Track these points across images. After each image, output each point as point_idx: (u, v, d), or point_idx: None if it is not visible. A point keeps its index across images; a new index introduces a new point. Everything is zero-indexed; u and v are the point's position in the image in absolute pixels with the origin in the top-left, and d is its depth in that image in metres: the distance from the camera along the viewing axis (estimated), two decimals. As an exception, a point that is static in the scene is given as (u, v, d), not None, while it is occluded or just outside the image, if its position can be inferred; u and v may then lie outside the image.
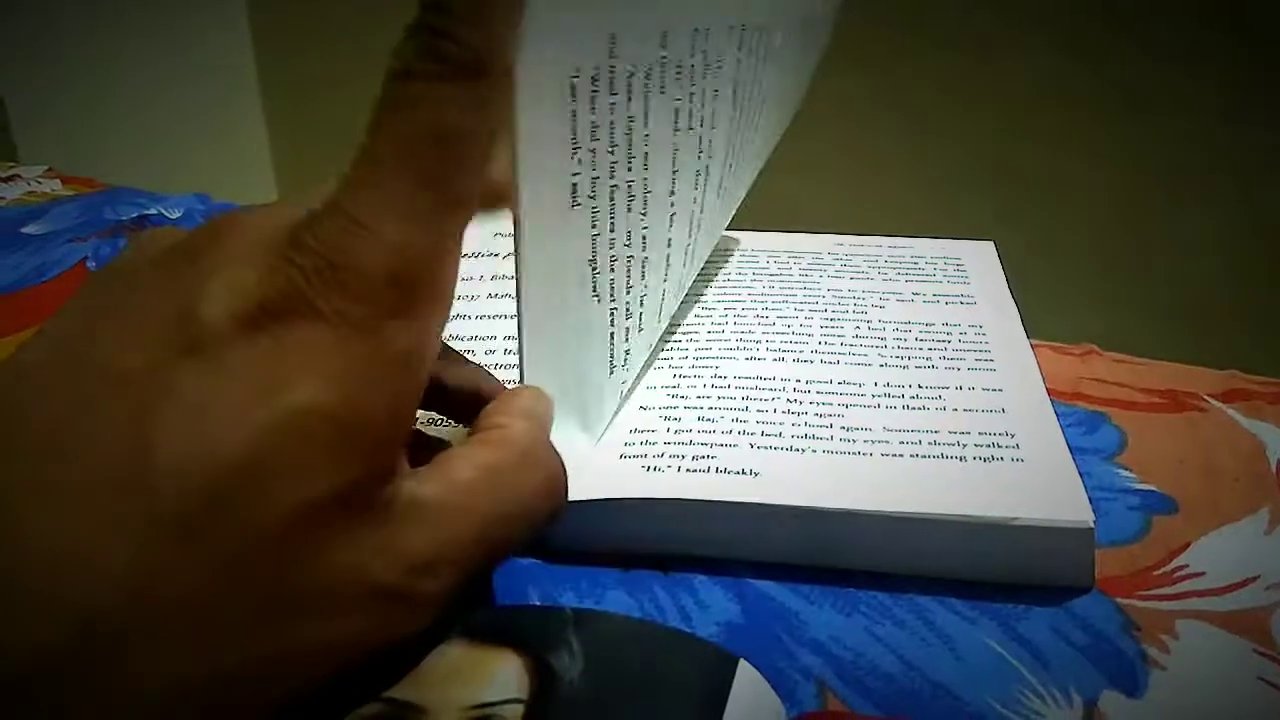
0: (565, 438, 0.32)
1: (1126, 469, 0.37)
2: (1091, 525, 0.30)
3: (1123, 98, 0.95)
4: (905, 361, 0.39)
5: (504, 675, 0.23)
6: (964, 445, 0.34)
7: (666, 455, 0.34)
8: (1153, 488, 0.35)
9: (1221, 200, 0.92)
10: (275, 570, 0.21)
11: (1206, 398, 0.40)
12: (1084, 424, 0.39)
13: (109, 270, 0.25)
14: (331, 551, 0.21)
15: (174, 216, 0.64)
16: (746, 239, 0.51)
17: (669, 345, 0.41)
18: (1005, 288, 0.45)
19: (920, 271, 0.47)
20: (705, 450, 0.34)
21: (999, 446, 0.34)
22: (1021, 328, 0.42)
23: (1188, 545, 0.33)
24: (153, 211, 0.64)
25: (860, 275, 0.46)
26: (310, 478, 0.21)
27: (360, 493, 0.22)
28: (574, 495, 0.32)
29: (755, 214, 0.55)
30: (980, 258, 0.48)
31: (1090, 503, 0.31)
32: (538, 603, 0.31)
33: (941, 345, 0.40)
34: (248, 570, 0.20)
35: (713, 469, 0.33)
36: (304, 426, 0.21)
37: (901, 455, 0.33)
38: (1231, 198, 0.92)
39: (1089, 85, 0.96)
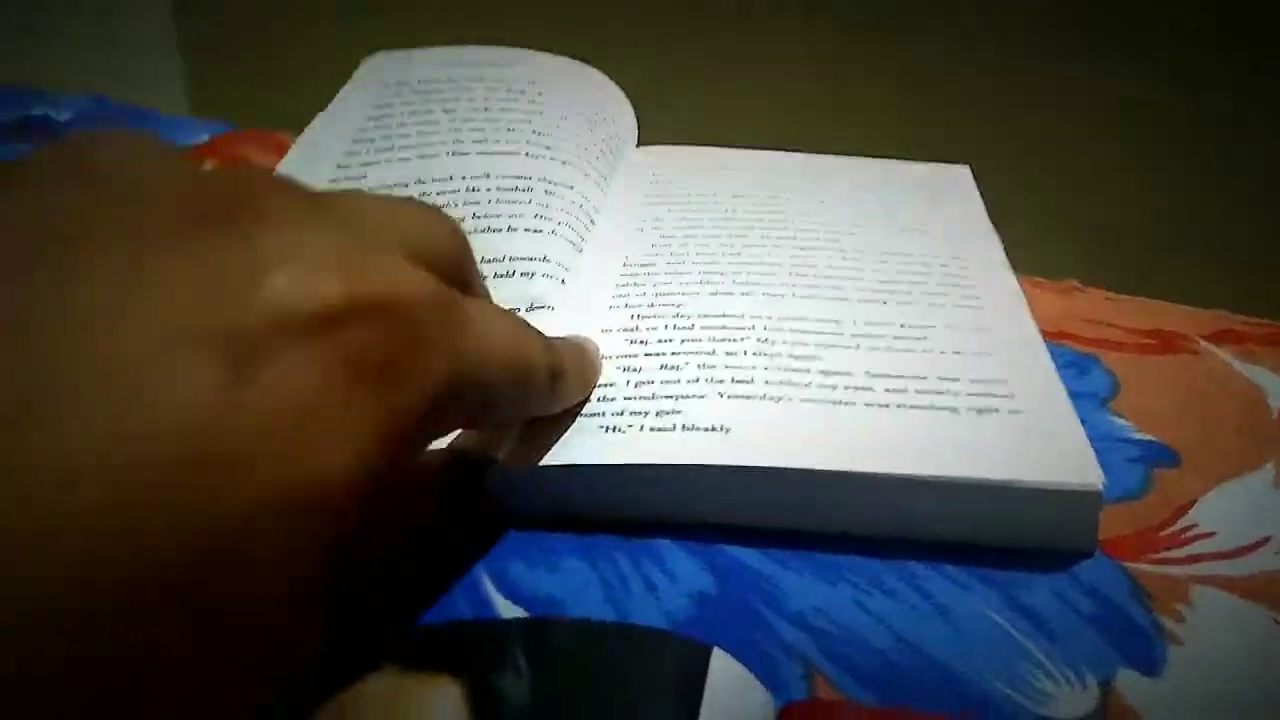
0: None
1: (1121, 416, 0.34)
2: (1100, 488, 0.27)
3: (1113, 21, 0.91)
4: (885, 297, 0.36)
5: (440, 708, 0.19)
6: (955, 394, 0.30)
7: (627, 413, 0.30)
8: (1152, 438, 0.33)
9: (1204, 136, 0.88)
10: None
11: (1198, 339, 0.38)
12: (1074, 366, 0.36)
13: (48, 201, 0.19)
14: None
15: (62, 119, 0.57)
16: (705, 155, 0.47)
17: (624, 281, 0.37)
18: (985, 216, 0.42)
19: (895, 195, 0.43)
20: (670, 405, 0.30)
21: (993, 395, 0.30)
22: (1006, 261, 0.39)
23: (1194, 502, 0.30)
24: (38, 112, 0.58)
25: (830, 199, 0.43)
26: None
27: None
28: (524, 459, 0.29)
29: (707, 129, 0.51)
30: (956, 182, 0.45)
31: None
32: (477, 616, 0.27)
33: (922, 279, 0.37)
34: None
35: (679, 426, 0.29)
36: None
37: (887, 405, 0.30)
38: (1214, 133, 0.88)
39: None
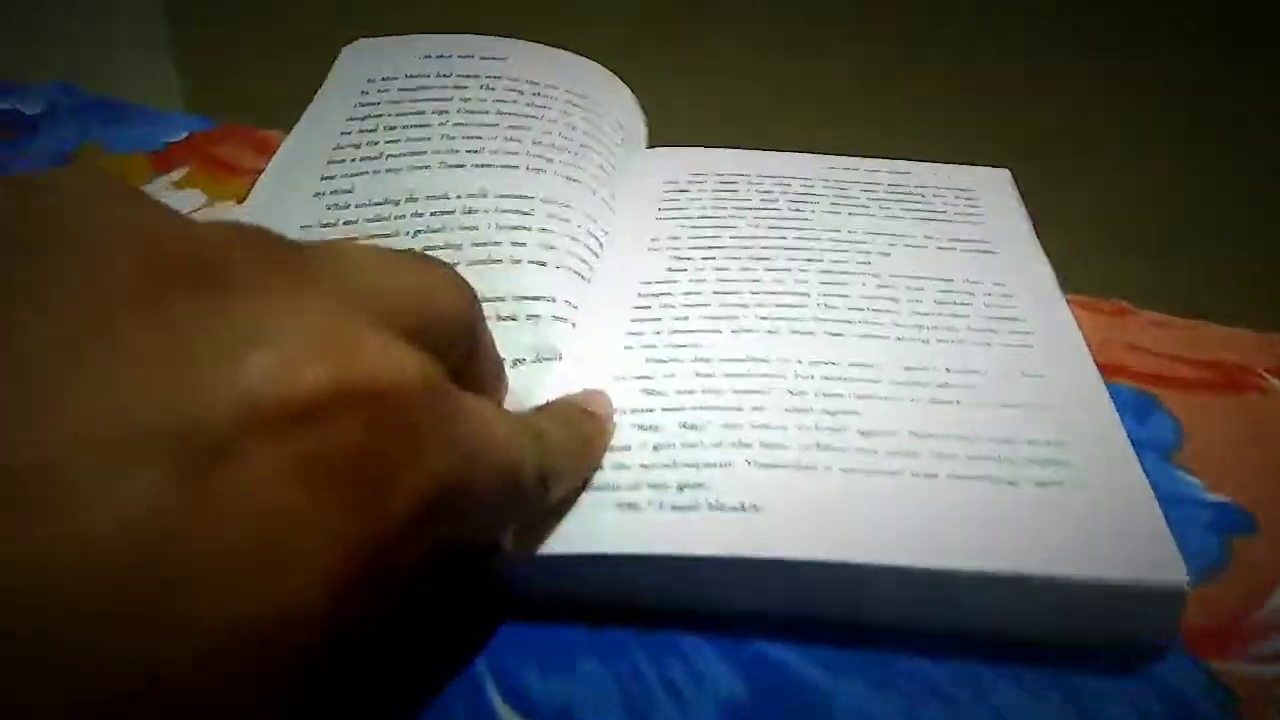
0: None
1: (1189, 471, 0.31)
2: (1185, 586, 0.24)
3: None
4: (926, 334, 0.32)
5: None
6: (1012, 462, 0.27)
7: (645, 485, 0.27)
8: (1225, 499, 0.30)
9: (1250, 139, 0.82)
10: None
11: (1264, 374, 0.34)
12: (1133, 409, 0.33)
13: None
14: None
15: (33, 111, 0.53)
16: (720, 158, 0.43)
17: (638, 315, 0.33)
18: (1030, 230, 0.38)
19: (928, 206, 0.40)
20: (693, 475, 0.27)
21: (1054, 463, 0.27)
22: (1057, 287, 0.35)
23: (1278, 581, 0.27)
24: (5, 106, 0.54)
25: (860, 209, 0.39)
26: None
27: None
28: (531, 545, 0.25)
29: (718, 127, 0.47)
30: (994, 189, 0.41)
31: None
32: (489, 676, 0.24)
33: (965, 310, 0.33)
34: None
35: (704, 504, 0.26)
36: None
37: (935, 475, 0.27)
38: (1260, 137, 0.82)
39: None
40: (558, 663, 0.25)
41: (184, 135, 0.51)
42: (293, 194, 0.36)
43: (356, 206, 0.36)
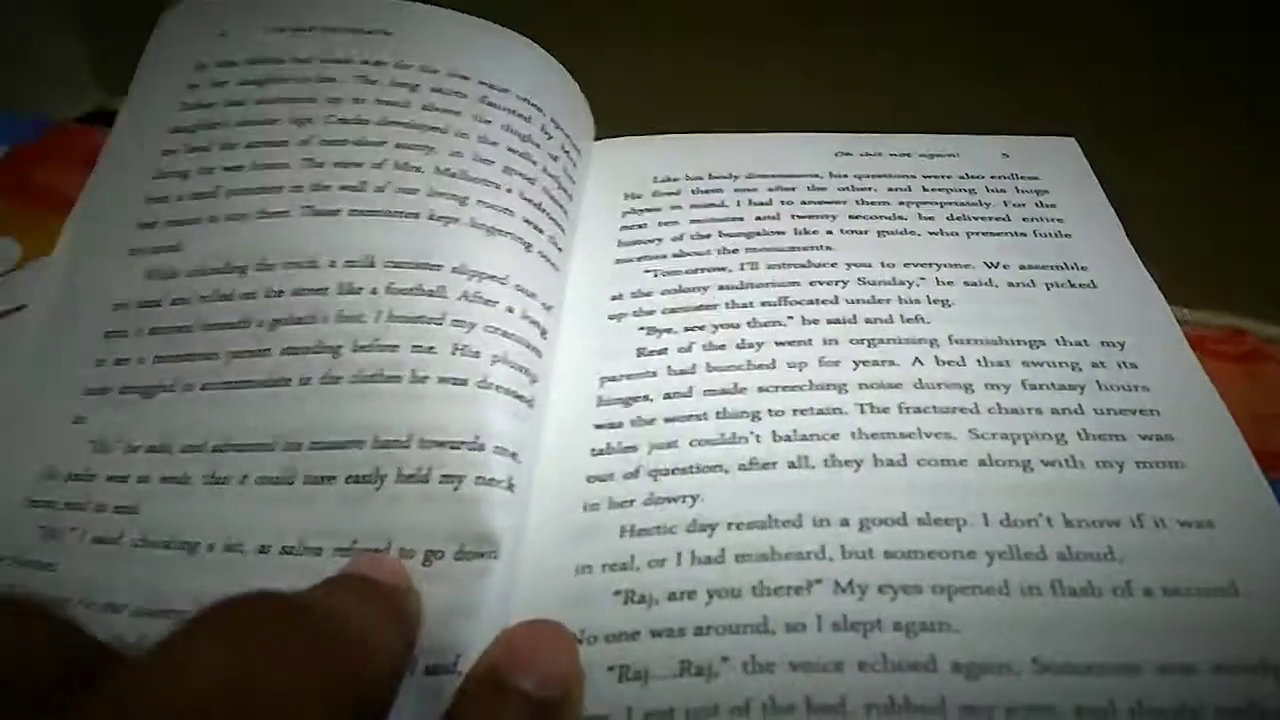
0: None
1: None
2: None
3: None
4: (1024, 452, 0.22)
5: None
6: (1194, 714, 0.18)
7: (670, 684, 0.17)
8: None
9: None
10: None
11: None
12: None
13: None
14: None
15: None
16: (688, 149, 0.32)
17: (602, 433, 0.23)
18: (1124, 239, 0.28)
19: (984, 209, 0.29)
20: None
21: (1267, 713, 0.18)
22: (1180, 333, 0.25)
23: None
24: None
25: (894, 224, 0.29)
26: None
27: None
28: None
29: (676, 107, 0.36)
30: (1064, 171, 0.31)
31: None
32: None
33: (1073, 399, 0.23)
34: None
35: None
36: None
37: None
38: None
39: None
40: None
41: (4, 150, 0.39)
42: (102, 251, 0.26)
43: (187, 275, 0.25)
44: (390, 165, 0.26)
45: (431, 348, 0.23)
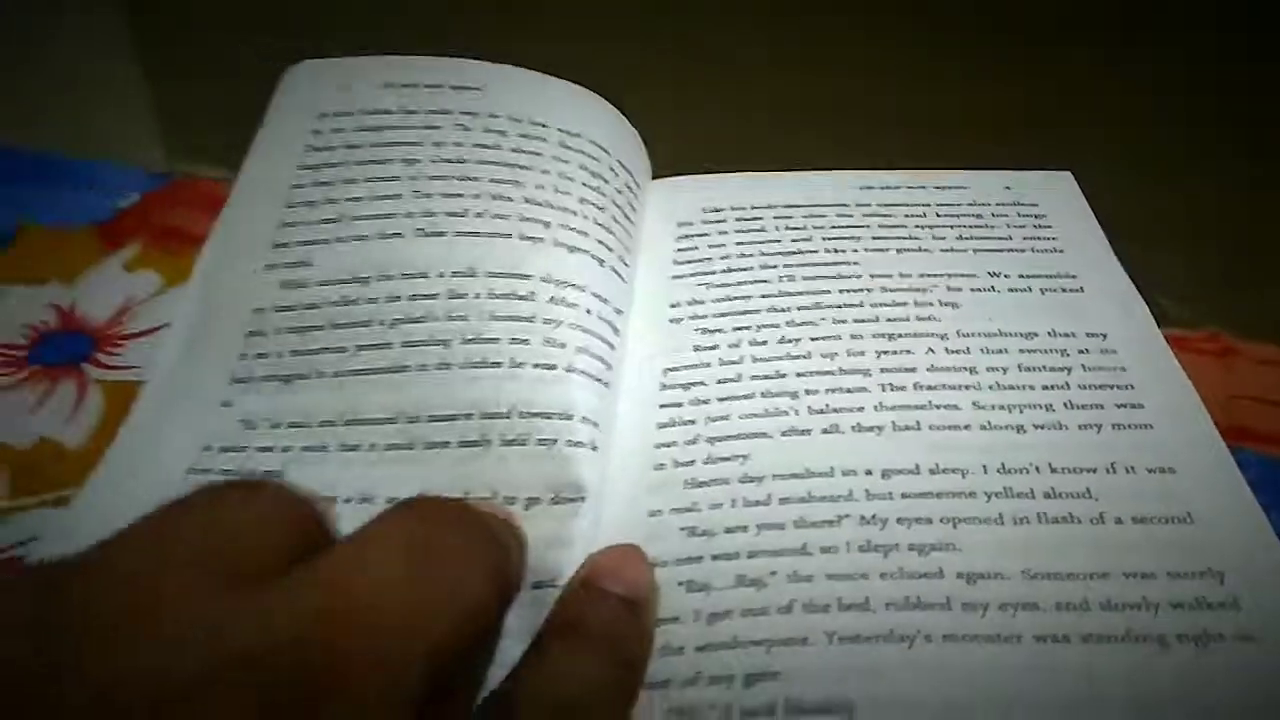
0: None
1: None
2: None
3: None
4: (1018, 418, 0.27)
5: None
6: (1155, 608, 0.22)
7: (703, 678, 0.22)
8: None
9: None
10: None
11: None
12: (1265, 485, 0.27)
13: None
14: None
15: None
16: (736, 186, 0.37)
17: (666, 418, 0.28)
18: (1109, 253, 0.33)
19: (989, 230, 0.34)
20: (763, 658, 0.22)
21: (1209, 606, 0.22)
22: (1156, 328, 0.30)
23: None
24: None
25: (910, 243, 0.33)
26: None
27: None
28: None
29: (724, 145, 0.41)
30: (1060, 199, 0.36)
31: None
32: None
33: (1060, 377, 0.28)
34: None
35: (780, 706, 0.21)
36: None
37: (1068, 639, 0.22)
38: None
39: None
40: None
41: (135, 198, 0.45)
42: (241, 266, 0.31)
43: (318, 285, 0.30)
44: (487, 196, 0.32)
45: (526, 340, 0.28)
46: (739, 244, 0.34)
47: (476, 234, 0.31)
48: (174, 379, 0.29)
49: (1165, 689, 0.20)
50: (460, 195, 0.32)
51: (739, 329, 0.31)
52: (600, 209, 0.33)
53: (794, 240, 0.34)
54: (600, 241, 0.32)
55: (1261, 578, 0.22)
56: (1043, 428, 0.26)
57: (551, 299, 0.29)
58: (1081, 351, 0.29)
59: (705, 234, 0.35)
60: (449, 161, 0.33)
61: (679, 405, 0.28)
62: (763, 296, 0.32)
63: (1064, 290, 0.31)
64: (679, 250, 0.34)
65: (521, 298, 0.29)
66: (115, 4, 0.90)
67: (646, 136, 0.37)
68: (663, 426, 0.28)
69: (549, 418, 0.27)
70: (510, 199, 0.32)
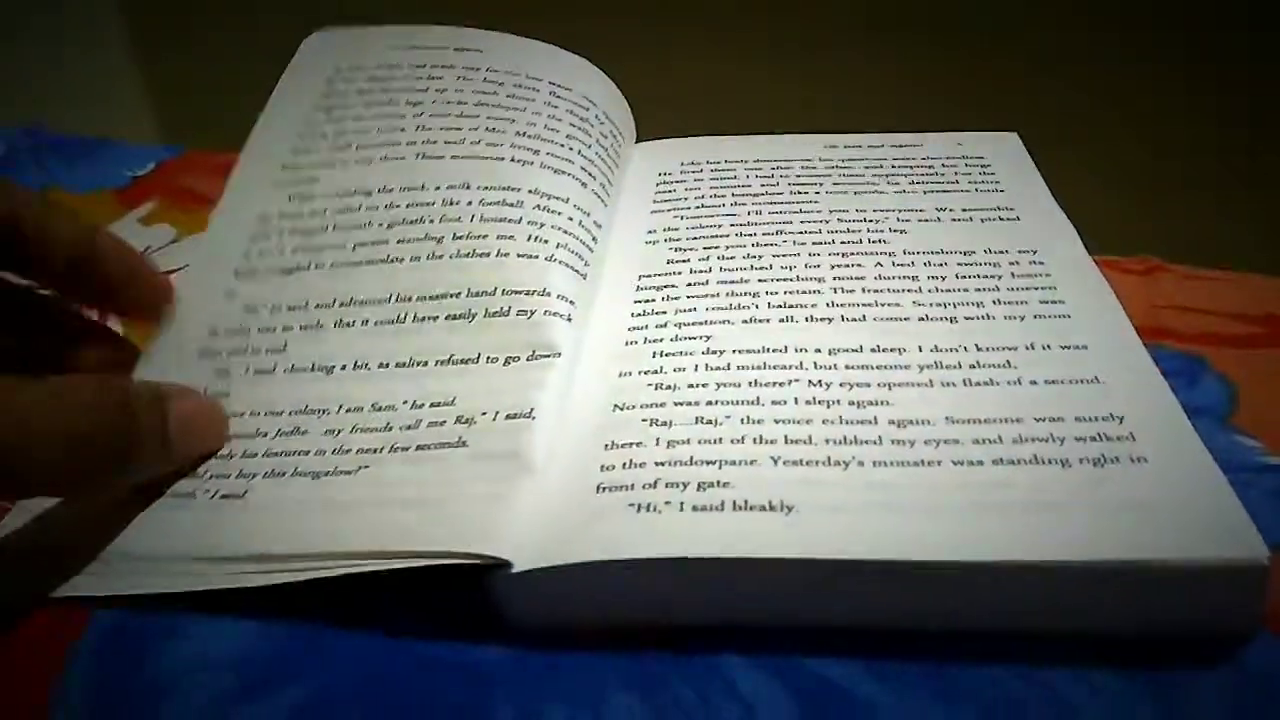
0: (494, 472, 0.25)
1: (1248, 435, 0.28)
2: (1266, 562, 0.22)
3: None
4: (951, 311, 0.30)
5: None
6: (1061, 441, 0.25)
7: (661, 484, 0.24)
8: (1291, 463, 0.27)
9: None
10: None
11: (1316, 324, 0.32)
12: (1181, 373, 0.31)
13: None
14: None
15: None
16: (713, 146, 0.41)
17: (640, 309, 0.31)
18: (1048, 194, 0.36)
19: (939, 178, 0.37)
20: (713, 474, 0.25)
21: (1108, 439, 0.25)
22: (1084, 249, 0.33)
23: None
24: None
25: (867, 187, 0.37)
26: None
27: None
28: (533, 558, 0.23)
29: (708, 116, 0.45)
30: (1006, 155, 0.39)
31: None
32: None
33: (991, 283, 0.31)
34: None
35: (729, 504, 0.24)
36: None
37: (981, 463, 0.24)
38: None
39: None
40: (589, 697, 0.22)
41: (150, 167, 0.49)
42: (252, 185, 0.35)
43: (323, 197, 0.34)
44: (483, 129, 0.35)
45: (512, 236, 0.31)
46: (713, 187, 0.38)
47: (472, 157, 0.34)
48: (185, 279, 0.33)
49: (1066, 493, 0.23)
50: (458, 129, 0.35)
51: (709, 248, 0.34)
52: (586, 145, 0.36)
53: (762, 185, 0.37)
54: (584, 169, 0.35)
55: (1158, 422, 0.25)
56: (972, 319, 0.30)
57: (538, 207, 0.33)
58: (1013, 264, 0.32)
59: (683, 180, 0.38)
60: (450, 103, 0.36)
61: (650, 300, 0.32)
62: (731, 225, 0.35)
63: (1002, 219, 0.34)
64: (658, 193, 0.38)
65: (510, 205, 0.32)
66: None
67: (636, 110, 0.41)
68: (635, 315, 0.31)
69: (530, 294, 0.30)
70: (504, 132, 0.35)
